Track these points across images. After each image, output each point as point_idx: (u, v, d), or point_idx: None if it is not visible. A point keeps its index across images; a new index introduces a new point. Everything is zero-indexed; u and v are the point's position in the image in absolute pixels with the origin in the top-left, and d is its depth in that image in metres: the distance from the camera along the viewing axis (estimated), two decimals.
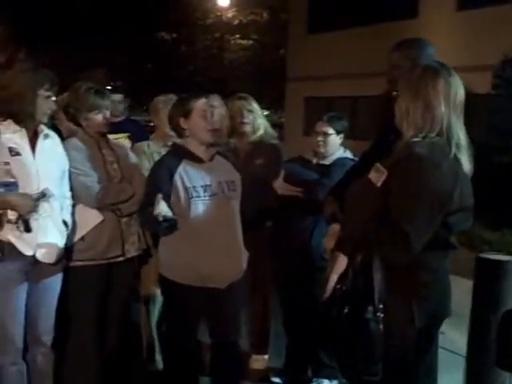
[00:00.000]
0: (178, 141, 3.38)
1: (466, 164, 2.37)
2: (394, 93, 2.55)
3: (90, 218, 3.39)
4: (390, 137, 2.70)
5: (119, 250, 3.47)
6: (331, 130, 3.83)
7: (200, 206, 3.16)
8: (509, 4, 11.52)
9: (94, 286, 3.45)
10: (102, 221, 3.40)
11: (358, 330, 2.30)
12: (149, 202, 3.04)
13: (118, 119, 5.30)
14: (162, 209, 2.95)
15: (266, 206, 3.82)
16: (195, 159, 3.24)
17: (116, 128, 5.03)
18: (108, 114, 3.52)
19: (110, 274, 3.50)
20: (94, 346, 3.50)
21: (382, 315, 2.29)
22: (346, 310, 2.31)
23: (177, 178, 3.15)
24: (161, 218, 2.95)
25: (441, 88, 2.35)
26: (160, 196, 2.97)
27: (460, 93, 2.39)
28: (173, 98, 4.12)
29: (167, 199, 3.04)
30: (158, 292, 3.92)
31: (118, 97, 5.45)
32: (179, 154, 3.27)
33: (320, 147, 3.84)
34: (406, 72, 2.55)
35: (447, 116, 2.34)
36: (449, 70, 2.41)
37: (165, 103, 4.10)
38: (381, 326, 2.29)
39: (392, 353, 2.36)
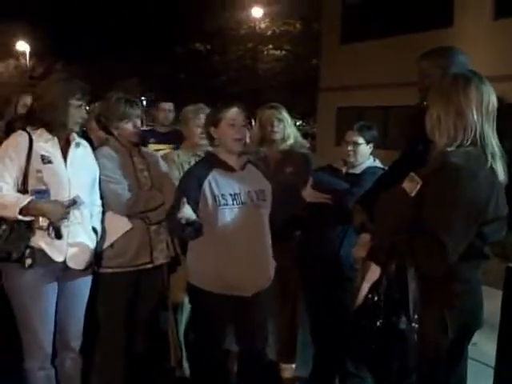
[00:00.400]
0: (211, 149, 3.41)
1: (501, 173, 2.34)
2: (425, 103, 2.52)
3: (120, 226, 3.44)
4: (418, 147, 2.69)
5: (148, 257, 3.51)
6: (361, 140, 3.82)
7: (228, 214, 3.18)
8: None
9: (122, 292, 3.48)
10: (131, 228, 3.44)
11: (392, 340, 2.28)
12: (176, 208, 3.07)
13: (166, 129, 5.42)
14: (186, 212, 2.98)
15: (296, 214, 3.81)
16: (226, 168, 3.26)
17: (163, 139, 5.03)
18: (139, 122, 3.58)
19: (138, 281, 3.53)
20: (121, 352, 3.53)
21: (416, 326, 2.26)
22: (380, 321, 2.29)
23: (206, 185, 3.18)
24: (184, 221, 2.98)
25: (472, 96, 2.33)
26: (184, 200, 3.00)
27: (492, 101, 2.36)
28: (202, 107, 4.17)
29: (194, 206, 3.07)
30: (186, 300, 3.94)
31: (167, 105, 5.53)
32: (210, 162, 3.30)
33: (350, 156, 3.83)
34: (436, 81, 2.54)
35: (480, 124, 2.32)
36: (480, 78, 2.39)
37: (194, 113, 4.14)
38: (415, 337, 2.26)
39: (425, 363, 2.35)
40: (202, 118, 4.03)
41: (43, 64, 29.96)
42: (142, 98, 26.44)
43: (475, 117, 2.31)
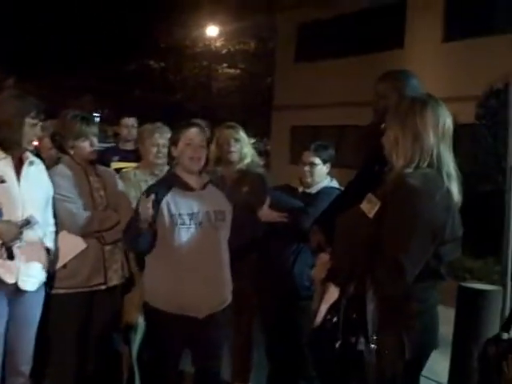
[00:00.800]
0: (172, 169, 3.39)
1: (456, 194, 2.39)
2: (383, 125, 2.57)
3: (74, 245, 3.39)
4: (375, 167, 2.73)
5: (102, 277, 3.46)
6: (318, 160, 3.86)
7: (184, 234, 3.16)
8: (493, 36, 11.73)
9: (75, 314, 3.42)
10: (86, 248, 3.39)
11: (351, 361, 2.29)
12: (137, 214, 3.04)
13: (131, 146, 5.21)
14: (149, 211, 2.98)
15: (253, 234, 3.81)
16: (185, 187, 3.25)
17: (128, 157, 4.89)
18: (95, 141, 3.53)
19: (91, 302, 3.47)
20: (73, 374, 3.46)
21: (374, 347, 2.28)
22: (339, 342, 2.29)
23: (163, 204, 3.16)
24: (145, 223, 2.99)
25: (429, 119, 2.38)
26: (152, 197, 3.00)
27: (448, 123, 2.42)
28: (159, 126, 4.15)
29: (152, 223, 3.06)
30: (141, 321, 3.89)
31: (130, 121, 5.40)
32: (170, 181, 3.29)
33: (307, 177, 3.87)
34: (394, 104, 2.59)
35: (436, 146, 2.37)
36: (436, 101, 2.44)
37: (150, 132, 4.12)
38: (373, 358, 2.28)
39: (383, 383, 2.36)
40: (158, 137, 4.02)
41: None
42: (95, 114, 26.17)
43: (431, 139, 2.36)
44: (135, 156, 4.72)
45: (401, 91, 2.95)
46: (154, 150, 4.02)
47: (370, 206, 2.38)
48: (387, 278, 2.29)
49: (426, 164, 2.36)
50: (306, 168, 3.85)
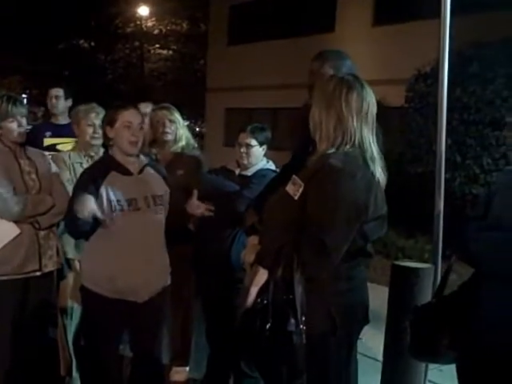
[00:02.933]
0: (109, 151, 3.32)
1: (380, 175, 2.44)
2: (309, 101, 2.59)
3: (6, 232, 3.28)
4: (309, 148, 2.75)
5: (36, 264, 3.38)
6: (254, 142, 3.86)
7: (123, 220, 3.13)
8: (421, 20, 12.00)
9: (8, 301, 3.33)
10: (19, 234, 3.30)
11: (281, 343, 2.31)
12: (77, 204, 2.99)
13: (65, 121, 4.95)
14: (91, 206, 2.95)
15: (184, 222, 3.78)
16: (123, 171, 3.20)
17: (62, 131, 4.66)
18: (24, 121, 3.41)
19: (26, 289, 3.39)
20: (8, 362, 3.38)
21: (304, 327, 2.30)
22: (268, 324, 2.31)
23: (102, 190, 3.12)
24: (88, 216, 2.95)
25: (353, 102, 2.40)
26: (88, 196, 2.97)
27: (372, 107, 2.46)
28: (94, 106, 4.06)
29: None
30: (76, 306, 3.84)
31: (54, 91, 5.09)
32: (107, 164, 3.24)
33: (243, 158, 3.87)
34: (321, 83, 2.60)
35: (359, 129, 2.41)
36: (362, 83, 2.47)
37: (85, 112, 4.02)
38: (303, 338, 2.31)
39: (314, 364, 2.40)
40: (94, 117, 3.93)
41: None
42: (23, 95, 25.35)
43: (355, 123, 2.40)
44: (66, 130, 4.54)
45: (338, 68, 2.99)
46: (91, 130, 3.92)
47: (294, 188, 2.40)
48: (313, 260, 2.32)
49: (348, 146, 2.40)
50: (243, 149, 3.86)
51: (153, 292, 3.22)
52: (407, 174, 8.90)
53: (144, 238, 3.17)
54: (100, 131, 3.82)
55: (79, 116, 4.04)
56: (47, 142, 4.45)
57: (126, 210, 3.14)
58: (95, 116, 3.92)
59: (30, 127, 4.06)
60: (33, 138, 3.77)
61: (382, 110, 2.56)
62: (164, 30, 27.93)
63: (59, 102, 5.09)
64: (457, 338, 2.44)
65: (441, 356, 2.58)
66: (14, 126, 3.36)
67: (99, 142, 3.90)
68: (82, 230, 3.11)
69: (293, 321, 2.29)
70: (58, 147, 4.57)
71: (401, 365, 3.41)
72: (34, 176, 3.43)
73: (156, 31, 27.92)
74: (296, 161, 3.15)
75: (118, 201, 3.13)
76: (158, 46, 28.42)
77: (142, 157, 3.34)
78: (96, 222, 3.09)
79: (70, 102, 5.11)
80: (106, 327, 3.22)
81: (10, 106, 3.34)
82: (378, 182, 2.43)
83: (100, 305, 3.17)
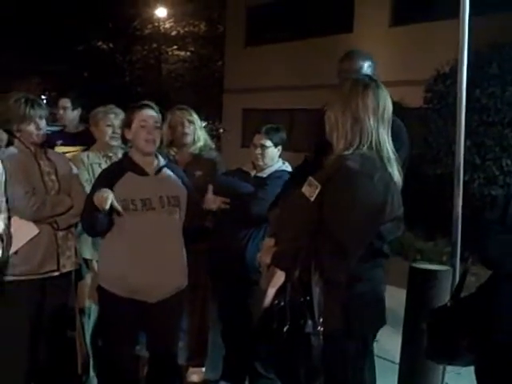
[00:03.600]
0: (129, 153, 3.36)
1: (396, 175, 2.44)
2: (325, 106, 2.59)
3: (26, 231, 3.31)
4: (325, 149, 2.74)
5: (54, 264, 3.40)
6: (269, 143, 3.86)
7: (136, 219, 3.15)
8: (439, 21, 11.93)
9: (26, 301, 3.35)
10: (38, 234, 3.32)
11: (299, 345, 2.30)
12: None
13: (76, 129, 5.07)
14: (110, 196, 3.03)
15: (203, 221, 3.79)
16: (139, 171, 3.23)
17: (72, 140, 4.73)
18: (42, 123, 3.44)
19: (43, 289, 3.41)
20: (26, 362, 3.40)
21: (322, 329, 2.29)
22: (286, 326, 2.30)
23: (117, 188, 3.15)
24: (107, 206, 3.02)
25: (370, 102, 2.40)
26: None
27: (388, 106, 2.45)
28: (112, 107, 4.11)
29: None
30: (93, 306, 3.86)
31: (63, 102, 5.15)
32: (125, 165, 3.27)
33: (258, 159, 3.88)
34: (337, 86, 2.61)
35: (376, 130, 2.40)
36: (378, 84, 2.47)
37: (104, 113, 4.07)
38: (321, 340, 2.30)
39: (332, 365, 2.39)
40: (113, 117, 3.98)
41: None
42: (43, 96, 25.56)
43: (371, 123, 2.39)
44: (78, 139, 4.64)
45: (364, 69, 3.07)
46: (110, 130, 3.97)
47: (311, 190, 2.39)
48: (331, 261, 2.31)
49: (365, 147, 2.39)
50: (258, 150, 3.86)
51: (166, 293, 3.23)
52: (426, 176, 8.85)
53: (157, 238, 3.18)
54: (119, 131, 3.86)
55: (98, 117, 4.08)
56: (58, 150, 4.50)
57: (139, 209, 3.16)
58: (114, 117, 3.97)
59: (50, 129, 4.11)
60: (47, 144, 3.80)
61: (401, 110, 2.55)
62: (182, 32, 28.00)
63: (67, 112, 5.15)
64: (475, 340, 2.43)
65: (459, 358, 2.58)
66: (31, 128, 3.38)
67: (118, 142, 3.93)
68: (98, 226, 3.14)
69: (310, 322, 2.28)
70: (68, 156, 4.62)
71: (418, 367, 3.39)
72: (53, 177, 3.46)
73: (174, 33, 28.00)
74: (309, 162, 3.14)
75: (132, 200, 3.15)
76: (175, 47, 28.50)
77: (160, 158, 3.35)
78: (111, 220, 3.13)
79: (78, 112, 5.17)
80: (120, 327, 3.24)
81: (27, 109, 3.36)
82: (395, 183, 2.43)
83: (114, 304, 3.20)
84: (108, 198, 3.02)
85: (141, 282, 3.13)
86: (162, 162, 3.34)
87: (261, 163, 3.88)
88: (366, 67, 3.29)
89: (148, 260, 3.14)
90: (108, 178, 3.20)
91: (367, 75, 2.60)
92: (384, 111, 2.43)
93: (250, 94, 18.18)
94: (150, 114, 3.26)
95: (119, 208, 3.07)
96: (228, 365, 4.09)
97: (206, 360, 4.28)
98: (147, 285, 3.14)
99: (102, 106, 4.17)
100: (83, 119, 5.09)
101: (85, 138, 4.43)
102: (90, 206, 3.09)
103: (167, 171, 3.33)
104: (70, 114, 5.15)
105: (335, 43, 13.54)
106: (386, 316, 2.58)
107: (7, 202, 3.25)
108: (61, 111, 5.18)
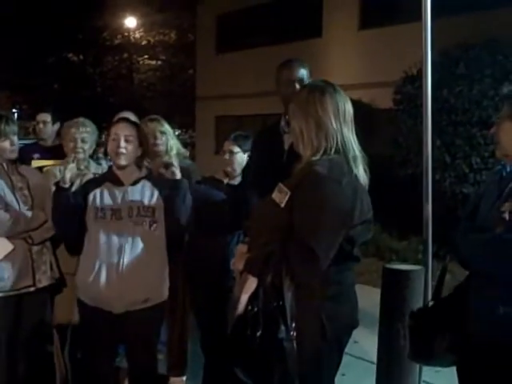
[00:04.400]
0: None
1: (363, 176, 2.47)
2: (287, 117, 2.62)
3: (0, 247, 3.30)
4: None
5: (30, 280, 3.39)
6: (237, 149, 3.91)
7: (104, 228, 3.16)
8: (407, 23, 12.07)
9: (2, 318, 3.34)
10: (13, 249, 3.31)
11: (272, 350, 2.31)
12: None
13: (51, 143, 5.02)
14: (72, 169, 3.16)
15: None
16: (116, 182, 3.25)
17: (49, 154, 4.66)
18: (16, 140, 3.44)
19: (20, 305, 3.40)
20: (4, 378, 3.39)
21: (294, 334, 2.31)
22: (259, 332, 2.31)
23: (91, 196, 3.20)
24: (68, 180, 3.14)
25: (329, 105, 2.43)
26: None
27: (348, 107, 2.48)
28: (77, 121, 4.08)
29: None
30: (75, 321, 3.84)
31: (43, 116, 5.11)
32: (104, 176, 3.35)
33: (228, 165, 3.91)
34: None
35: (340, 131, 2.43)
36: (333, 87, 2.50)
37: (67, 127, 4.07)
38: (294, 345, 2.31)
39: (307, 369, 2.41)
40: (74, 132, 3.95)
41: None
42: (14, 110, 25.30)
43: (334, 125, 2.42)
44: (54, 153, 4.56)
45: (302, 77, 3.17)
46: (71, 144, 3.95)
47: (281, 196, 2.41)
48: (302, 266, 2.32)
49: (332, 151, 2.42)
50: (226, 156, 3.90)
51: (130, 305, 3.17)
52: (397, 176, 8.96)
53: (123, 249, 3.15)
54: (82, 145, 3.89)
55: (63, 132, 4.09)
56: (35, 163, 4.45)
57: (108, 218, 3.17)
58: (75, 131, 3.94)
59: (22, 143, 4.08)
60: (20, 159, 3.77)
61: (371, 112, 2.58)
62: (152, 41, 27.97)
63: (47, 127, 5.12)
64: (456, 340, 2.46)
65: (440, 359, 2.60)
66: (6, 144, 3.38)
67: (82, 155, 3.93)
68: (67, 219, 3.17)
69: (283, 328, 2.30)
70: (45, 170, 4.59)
71: (395, 366, 3.43)
72: (26, 192, 3.45)
73: (144, 42, 27.95)
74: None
75: (101, 209, 3.17)
76: (146, 56, 28.45)
77: (143, 170, 3.36)
78: (83, 225, 3.18)
79: (57, 126, 5.10)
80: (95, 337, 3.24)
81: (2, 126, 3.36)
82: (362, 186, 2.46)
83: (86, 313, 3.23)
84: (69, 171, 3.13)
85: (101, 292, 3.12)
86: (143, 173, 3.35)
87: (229, 169, 3.91)
88: (307, 75, 3.41)
89: (112, 270, 3.13)
90: (85, 186, 3.25)
91: (322, 80, 2.62)
92: (345, 112, 2.46)
93: (222, 101, 18.20)
94: (121, 127, 3.28)
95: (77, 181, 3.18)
96: (208, 373, 4.09)
97: (186, 369, 4.28)
98: (110, 295, 3.12)
99: (69, 121, 4.17)
100: (58, 133, 5.03)
101: (61, 152, 4.36)
102: (57, 194, 3.17)
103: (146, 183, 3.33)
104: (50, 128, 5.11)
105: (305, 48, 13.65)
106: (364, 317, 2.61)
107: None
108: (40, 125, 5.12)
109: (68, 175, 3.15)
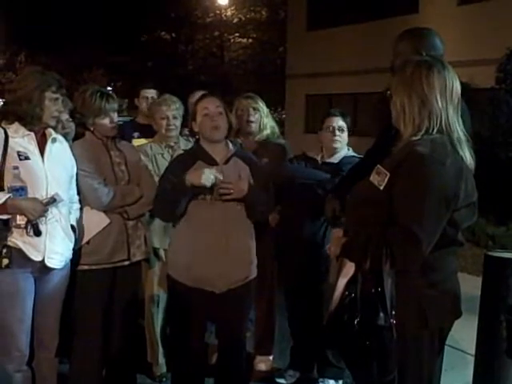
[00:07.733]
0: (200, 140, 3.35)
1: (468, 158, 2.32)
2: (388, 92, 2.49)
3: (97, 221, 3.37)
4: (391, 134, 2.65)
5: (125, 254, 3.45)
6: (345, 126, 3.82)
7: (202, 208, 3.15)
8: None
9: (98, 290, 3.43)
10: (109, 224, 3.38)
11: (370, 337, 2.24)
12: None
13: (147, 120, 4.79)
14: (209, 175, 3.05)
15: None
16: (209, 161, 3.22)
17: (150, 132, 4.45)
18: (116, 116, 3.48)
19: (114, 278, 3.47)
20: (98, 350, 3.48)
21: (394, 321, 2.22)
22: (357, 319, 2.24)
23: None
24: (208, 184, 3.05)
25: (435, 83, 2.29)
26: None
27: (456, 86, 2.33)
28: (165, 99, 4.10)
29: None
30: (162, 294, 3.91)
31: (149, 92, 5.04)
32: (196, 153, 3.28)
33: (335, 142, 3.81)
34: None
35: (445, 111, 2.29)
36: (443, 64, 2.35)
37: (157, 105, 4.10)
38: (394, 332, 2.22)
39: (407, 358, 2.32)
40: (165, 109, 3.97)
41: (4, 55, 29.25)
42: (109, 88, 26.12)
43: (439, 104, 2.28)
44: (150, 131, 4.45)
45: (419, 50, 2.85)
46: (164, 122, 3.97)
47: (379, 178, 2.30)
48: (402, 251, 2.22)
49: (435, 130, 2.28)
50: (337, 133, 3.79)
51: (232, 283, 3.20)
52: (497, 159, 8.55)
53: (222, 228, 3.15)
54: (174, 122, 3.91)
55: (153, 110, 4.11)
56: (136, 142, 4.46)
57: (207, 199, 3.15)
58: (166, 109, 3.96)
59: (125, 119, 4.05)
60: (121, 136, 3.82)
61: (470, 92, 2.41)
62: (243, 19, 28.01)
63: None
64: None
65: None
66: (106, 122, 3.43)
67: (174, 133, 3.97)
68: (178, 209, 3.13)
69: (382, 315, 2.21)
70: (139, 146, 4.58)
71: (495, 358, 3.26)
72: (123, 167, 3.51)
73: (235, 20, 28.04)
74: (378, 147, 3.05)
75: (199, 188, 3.13)
76: (237, 34, 28.55)
77: (230, 146, 3.33)
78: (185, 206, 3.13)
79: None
80: (188, 315, 3.25)
81: (103, 103, 3.40)
82: (468, 167, 2.32)
83: (182, 293, 3.22)
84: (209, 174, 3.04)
85: (207, 272, 3.13)
86: (232, 150, 3.32)
87: (338, 146, 3.81)
88: (422, 47, 2.95)
89: (212, 250, 3.13)
90: (181, 165, 3.21)
91: (429, 55, 2.46)
92: (452, 91, 2.31)
93: (312, 79, 18.01)
94: (210, 101, 3.25)
95: (220, 176, 3.07)
96: (296, 353, 4.07)
97: (273, 348, 4.28)
98: (213, 275, 3.13)
99: (159, 99, 4.20)
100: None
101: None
102: (178, 187, 3.09)
103: (237, 160, 3.30)
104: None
105: (401, 24, 13.18)
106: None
107: (79, 193, 3.32)
108: (148, 101, 4.95)
109: (211, 177, 3.06)
